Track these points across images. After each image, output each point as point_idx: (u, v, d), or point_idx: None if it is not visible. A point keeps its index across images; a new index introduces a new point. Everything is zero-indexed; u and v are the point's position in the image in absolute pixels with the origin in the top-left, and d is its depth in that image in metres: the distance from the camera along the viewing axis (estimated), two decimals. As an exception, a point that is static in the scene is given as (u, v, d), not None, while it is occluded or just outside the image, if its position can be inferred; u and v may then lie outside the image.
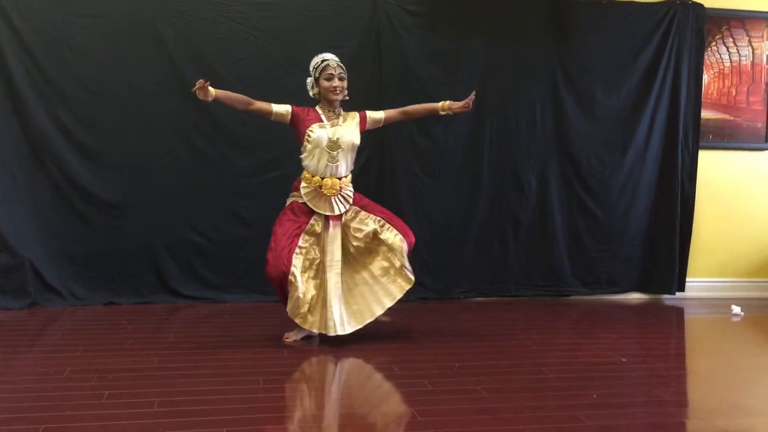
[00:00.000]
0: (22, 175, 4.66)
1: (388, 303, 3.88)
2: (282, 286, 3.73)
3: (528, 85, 5.22)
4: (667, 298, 5.50)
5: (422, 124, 5.05)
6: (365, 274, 3.92)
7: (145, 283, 4.82)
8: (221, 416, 2.73)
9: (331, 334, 3.75)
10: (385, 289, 3.88)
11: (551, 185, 5.30)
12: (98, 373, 3.19)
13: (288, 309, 3.76)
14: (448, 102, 3.99)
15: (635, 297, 5.52)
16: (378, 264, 3.91)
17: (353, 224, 3.90)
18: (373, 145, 4.90)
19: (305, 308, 3.76)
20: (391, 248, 3.86)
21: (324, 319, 3.77)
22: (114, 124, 4.74)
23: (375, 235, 3.87)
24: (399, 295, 3.89)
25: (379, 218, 3.90)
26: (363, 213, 3.92)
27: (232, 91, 3.83)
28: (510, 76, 5.18)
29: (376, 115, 3.97)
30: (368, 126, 3.97)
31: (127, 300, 4.76)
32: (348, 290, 3.89)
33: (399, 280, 3.88)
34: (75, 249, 4.74)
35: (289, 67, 4.87)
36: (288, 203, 3.89)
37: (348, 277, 3.91)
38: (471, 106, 4.01)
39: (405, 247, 3.88)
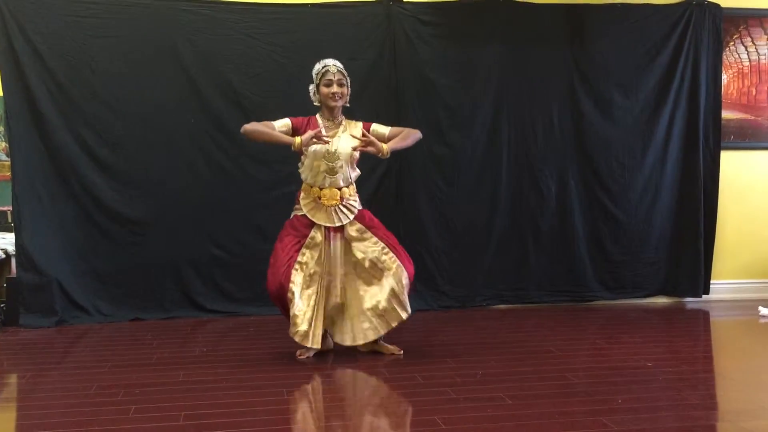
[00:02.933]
0: (48, 195, 4.73)
1: (382, 331, 3.73)
2: (283, 302, 3.68)
3: (545, 90, 5.21)
4: (691, 301, 5.44)
5: (439, 132, 5.06)
6: (364, 297, 3.76)
7: (170, 299, 4.88)
8: (247, 428, 2.75)
9: (322, 347, 3.73)
10: (375, 319, 3.72)
11: (571, 189, 5.27)
12: (125, 389, 3.23)
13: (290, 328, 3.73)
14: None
15: (660, 301, 5.46)
16: (372, 293, 3.73)
17: (357, 245, 3.75)
18: (392, 155, 4.91)
19: (305, 326, 3.66)
20: (388, 277, 3.68)
21: (319, 333, 3.71)
22: (136, 142, 4.81)
23: (374, 262, 3.72)
24: (385, 331, 3.72)
25: (383, 245, 3.72)
26: (368, 234, 3.75)
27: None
28: (526, 81, 5.17)
29: (381, 129, 3.82)
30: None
31: (152, 315, 4.81)
32: (348, 305, 3.80)
33: (390, 316, 3.70)
34: (100, 266, 4.81)
35: (306, 80, 4.89)
36: (290, 218, 3.82)
37: (351, 292, 3.80)
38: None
39: (405, 279, 3.68)
